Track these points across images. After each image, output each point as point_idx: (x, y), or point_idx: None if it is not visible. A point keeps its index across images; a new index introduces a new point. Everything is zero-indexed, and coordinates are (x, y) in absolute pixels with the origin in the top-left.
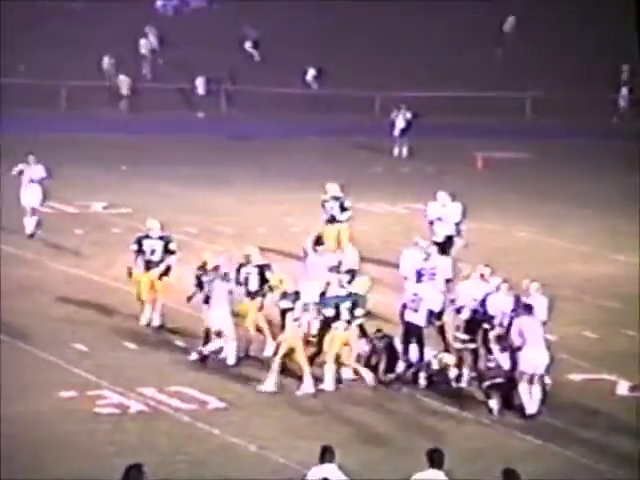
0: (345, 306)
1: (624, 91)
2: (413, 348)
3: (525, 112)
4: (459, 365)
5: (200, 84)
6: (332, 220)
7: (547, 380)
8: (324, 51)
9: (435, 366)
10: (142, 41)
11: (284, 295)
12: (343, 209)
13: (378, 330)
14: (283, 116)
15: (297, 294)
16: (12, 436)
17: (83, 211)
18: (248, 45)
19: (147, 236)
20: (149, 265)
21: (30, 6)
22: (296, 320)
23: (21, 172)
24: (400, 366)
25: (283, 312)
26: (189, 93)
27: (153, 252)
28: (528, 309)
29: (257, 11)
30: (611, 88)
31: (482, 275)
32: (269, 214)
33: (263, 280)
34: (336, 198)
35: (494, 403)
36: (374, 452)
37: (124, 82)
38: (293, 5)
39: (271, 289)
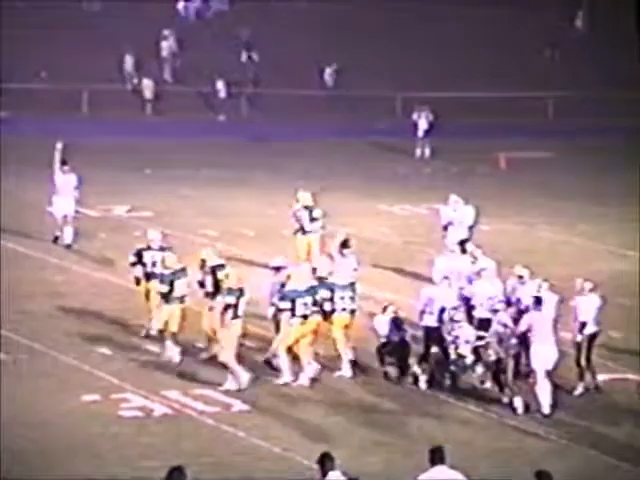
0: (301, 301)
1: None
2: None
3: (547, 112)
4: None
5: (221, 87)
6: (302, 231)
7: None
8: (342, 51)
9: (459, 364)
10: (163, 44)
11: (229, 291)
12: (312, 219)
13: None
14: (302, 118)
15: (241, 291)
16: (36, 440)
17: (105, 215)
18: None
19: (148, 247)
20: (149, 277)
21: (50, 10)
22: (237, 317)
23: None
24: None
25: (226, 307)
26: (210, 96)
27: (154, 264)
28: (538, 304)
29: (272, 13)
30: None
31: (520, 277)
32: (290, 216)
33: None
34: (306, 207)
35: (519, 402)
36: (394, 453)
37: (148, 86)
38: (311, 6)
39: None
